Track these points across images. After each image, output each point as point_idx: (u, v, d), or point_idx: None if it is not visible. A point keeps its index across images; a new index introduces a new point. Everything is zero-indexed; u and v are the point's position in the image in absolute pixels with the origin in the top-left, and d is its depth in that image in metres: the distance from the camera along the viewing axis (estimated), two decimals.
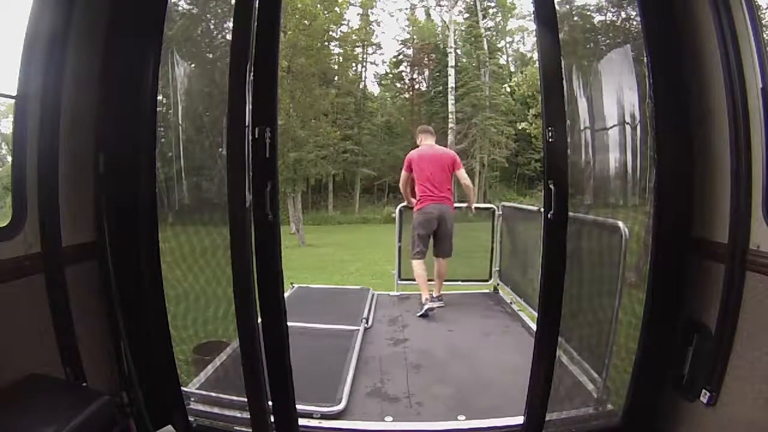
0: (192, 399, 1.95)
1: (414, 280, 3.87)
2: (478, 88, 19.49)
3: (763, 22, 1.46)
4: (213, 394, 1.99)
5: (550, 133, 1.59)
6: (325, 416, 2.01)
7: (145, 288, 1.78)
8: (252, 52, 1.50)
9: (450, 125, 18.70)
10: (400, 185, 4.02)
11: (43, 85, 1.49)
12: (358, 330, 3.09)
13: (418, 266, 3.74)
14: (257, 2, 1.51)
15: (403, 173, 3.89)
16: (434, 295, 3.76)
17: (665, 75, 1.68)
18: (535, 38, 1.75)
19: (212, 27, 2.16)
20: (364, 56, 21.40)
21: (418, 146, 3.90)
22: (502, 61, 21.92)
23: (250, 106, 1.50)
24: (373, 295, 4.08)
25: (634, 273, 2.00)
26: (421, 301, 3.66)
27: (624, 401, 1.84)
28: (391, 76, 22.16)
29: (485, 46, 20.62)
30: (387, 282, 5.21)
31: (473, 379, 2.46)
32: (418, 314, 3.56)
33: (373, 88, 22.67)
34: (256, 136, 1.50)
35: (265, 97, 1.54)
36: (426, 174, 3.73)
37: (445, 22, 20.02)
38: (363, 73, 21.63)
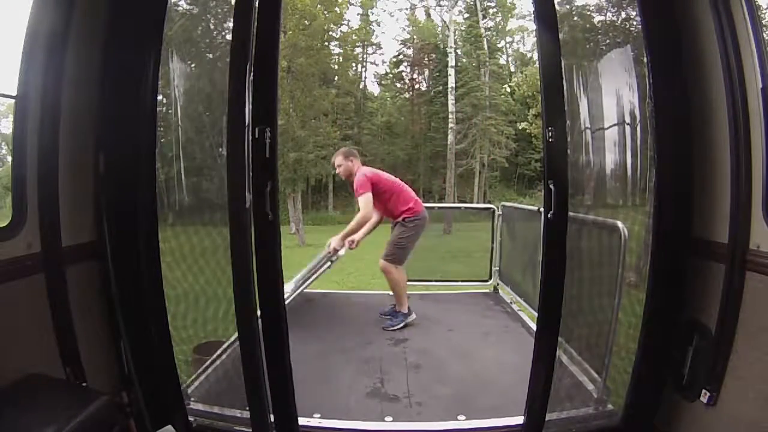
0: (192, 399, 1.95)
1: (394, 288, 3.31)
2: (478, 88, 19.52)
3: (763, 22, 1.46)
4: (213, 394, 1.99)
5: (550, 133, 1.59)
6: (325, 416, 2.01)
7: (145, 288, 1.78)
8: (252, 52, 1.50)
9: (450, 125, 18.71)
10: (367, 213, 3.13)
11: (43, 85, 1.49)
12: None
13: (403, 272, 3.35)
14: (257, 2, 1.51)
15: (369, 197, 3.12)
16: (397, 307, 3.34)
17: (665, 75, 1.68)
18: (535, 38, 1.74)
19: (212, 27, 2.16)
20: (364, 56, 21.47)
21: (353, 171, 3.25)
22: (502, 61, 21.97)
23: (250, 106, 1.50)
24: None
25: (634, 273, 2.00)
26: (402, 310, 3.30)
27: (624, 401, 1.84)
28: (391, 76, 22.21)
29: (485, 46, 20.64)
30: (386, 282, 5.18)
31: (473, 379, 2.45)
32: (407, 321, 3.26)
33: (373, 88, 22.77)
34: (256, 136, 1.50)
35: (265, 97, 1.54)
36: (400, 183, 3.38)
37: (445, 22, 20.02)
38: (363, 73, 21.71)
